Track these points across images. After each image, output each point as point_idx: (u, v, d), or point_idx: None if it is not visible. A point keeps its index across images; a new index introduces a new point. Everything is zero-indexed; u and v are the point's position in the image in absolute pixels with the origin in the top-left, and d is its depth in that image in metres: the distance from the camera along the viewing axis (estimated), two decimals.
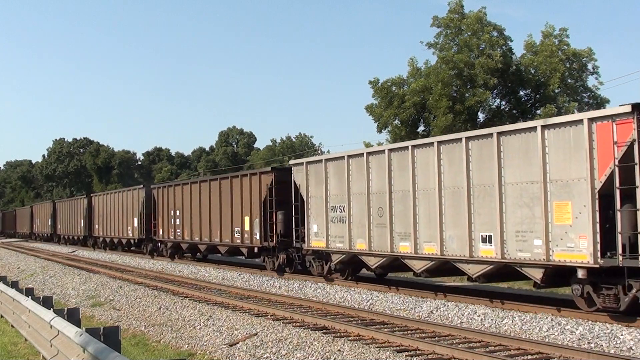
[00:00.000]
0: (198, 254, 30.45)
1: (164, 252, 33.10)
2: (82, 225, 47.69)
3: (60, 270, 29.89)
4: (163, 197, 33.01)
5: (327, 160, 20.02)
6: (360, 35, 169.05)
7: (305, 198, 20.94)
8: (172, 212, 31.59)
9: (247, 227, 24.41)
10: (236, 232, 25.30)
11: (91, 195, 48.51)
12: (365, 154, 18.30)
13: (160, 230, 33.15)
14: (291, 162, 22.65)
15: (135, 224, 36.18)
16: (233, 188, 25.66)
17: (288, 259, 22.54)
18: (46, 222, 60.45)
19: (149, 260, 33.55)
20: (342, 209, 19.07)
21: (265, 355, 11.64)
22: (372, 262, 18.09)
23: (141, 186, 37.10)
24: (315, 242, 20.35)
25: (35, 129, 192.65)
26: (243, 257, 27.03)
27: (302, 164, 21.26)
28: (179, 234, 30.84)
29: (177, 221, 30.88)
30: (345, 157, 18.94)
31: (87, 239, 47.66)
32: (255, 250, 24.25)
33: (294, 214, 21.70)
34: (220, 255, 28.94)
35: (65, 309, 11.53)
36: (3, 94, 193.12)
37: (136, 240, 36.69)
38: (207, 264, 28.98)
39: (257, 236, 23.64)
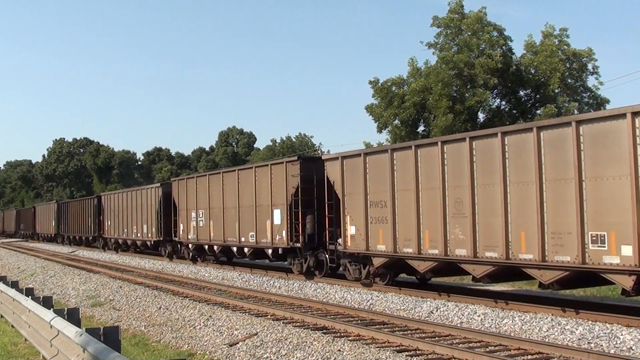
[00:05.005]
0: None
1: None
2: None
3: (60, 270, 29.88)
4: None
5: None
6: (360, 35, 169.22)
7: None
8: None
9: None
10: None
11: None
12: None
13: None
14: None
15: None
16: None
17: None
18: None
19: (149, 260, 33.48)
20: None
21: (265, 355, 11.64)
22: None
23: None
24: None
25: (35, 129, 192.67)
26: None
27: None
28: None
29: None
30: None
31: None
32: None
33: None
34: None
35: (65, 309, 11.53)
36: (3, 94, 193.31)
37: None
38: (207, 264, 28.96)
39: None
